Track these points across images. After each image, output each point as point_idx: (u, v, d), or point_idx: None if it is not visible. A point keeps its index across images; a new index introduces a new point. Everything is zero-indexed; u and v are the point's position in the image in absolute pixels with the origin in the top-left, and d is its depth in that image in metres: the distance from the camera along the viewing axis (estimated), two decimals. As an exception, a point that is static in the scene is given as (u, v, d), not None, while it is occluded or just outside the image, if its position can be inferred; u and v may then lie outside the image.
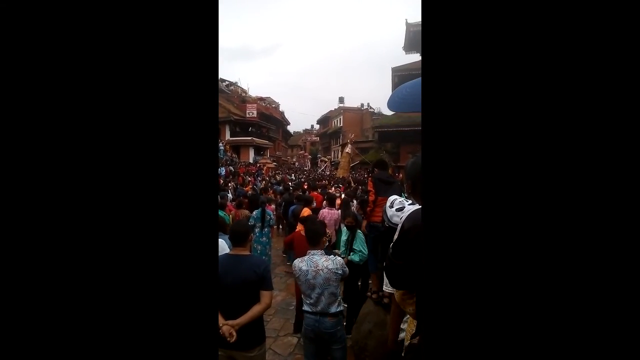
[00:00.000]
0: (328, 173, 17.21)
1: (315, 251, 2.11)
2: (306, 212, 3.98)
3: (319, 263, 2.03)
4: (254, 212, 4.18)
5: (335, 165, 26.63)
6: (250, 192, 7.24)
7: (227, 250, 1.99)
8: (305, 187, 8.07)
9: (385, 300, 2.40)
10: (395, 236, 0.97)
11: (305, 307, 2.09)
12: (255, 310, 1.72)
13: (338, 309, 2.06)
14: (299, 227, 3.42)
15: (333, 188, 8.20)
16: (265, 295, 1.77)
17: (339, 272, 2.04)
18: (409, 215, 0.95)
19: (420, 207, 0.97)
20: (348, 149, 10.50)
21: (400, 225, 0.95)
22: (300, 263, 2.09)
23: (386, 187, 3.13)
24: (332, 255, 2.11)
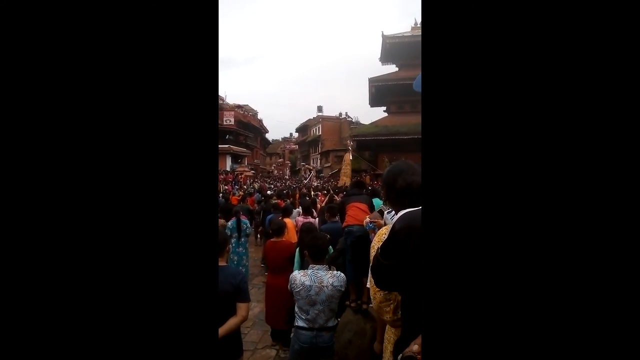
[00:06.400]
0: (315, 184, 16.38)
1: (319, 266, 2.02)
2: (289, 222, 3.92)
3: (323, 279, 1.95)
4: (229, 223, 4.07)
5: (317, 173, 26.75)
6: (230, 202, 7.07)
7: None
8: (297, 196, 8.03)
9: (364, 307, 2.40)
10: (386, 236, 0.98)
11: (300, 323, 1.98)
12: (231, 323, 1.66)
13: (334, 323, 2.02)
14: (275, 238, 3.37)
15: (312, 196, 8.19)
16: (241, 308, 1.72)
17: (342, 289, 1.98)
18: (401, 216, 0.96)
19: (411, 210, 0.98)
20: (349, 156, 10.68)
21: (391, 226, 0.95)
22: (302, 277, 1.97)
23: (354, 197, 3.25)
24: (335, 271, 2.03)
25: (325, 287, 1.93)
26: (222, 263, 1.81)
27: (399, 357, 0.83)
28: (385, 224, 1.80)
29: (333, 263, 2.43)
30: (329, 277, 1.97)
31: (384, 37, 20.38)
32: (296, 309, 2.02)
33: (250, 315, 1.99)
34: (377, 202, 3.55)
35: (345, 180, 10.36)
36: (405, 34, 20.24)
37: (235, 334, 1.76)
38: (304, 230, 2.97)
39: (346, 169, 10.91)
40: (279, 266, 2.96)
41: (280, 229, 3.12)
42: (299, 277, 1.99)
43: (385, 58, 21.75)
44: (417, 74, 2.12)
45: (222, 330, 1.62)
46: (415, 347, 0.81)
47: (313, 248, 2.07)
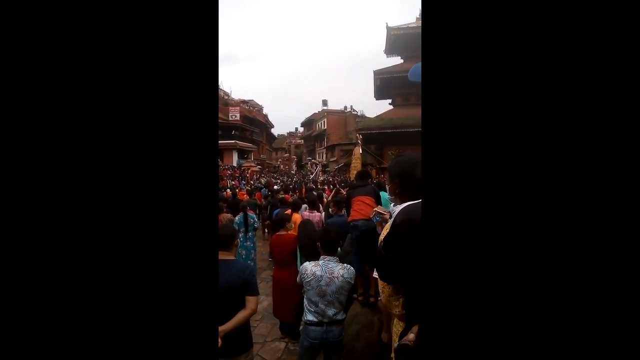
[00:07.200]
0: (322, 178, 16.17)
1: (330, 257, 2.03)
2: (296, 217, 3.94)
3: (334, 270, 1.96)
4: (237, 218, 4.11)
5: (323, 168, 26.74)
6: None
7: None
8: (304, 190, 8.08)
9: (372, 300, 2.41)
10: (387, 230, 0.98)
11: (310, 317, 1.98)
12: (240, 316, 1.69)
13: (343, 317, 2.04)
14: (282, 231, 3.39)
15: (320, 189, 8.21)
16: (250, 301, 1.74)
17: (352, 282, 2.00)
18: (401, 209, 0.96)
19: (412, 202, 0.97)
20: (359, 150, 10.67)
21: (392, 219, 0.96)
22: (314, 267, 1.98)
23: (359, 189, 3.26)
24: (345, 264, 2.06)
25: (336, 278, 1.95)
26: (230, 257, 1.83)
27: (395, 345, 0.85)
28: (391, 217, 1.80)
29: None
30: (340, 269, 1.98)
31: (389, 28, 20.10)
32: (305, 302, 2.03)
33: (259, 308, 2.01)
34: (384, 195, 3.54)
35: (355, 173, 10.40)
36: (410, 25, 19.94)
37: (245, 327, 1.79)
38: (301, 226, 2.99)
39: (356, 162, 10.92)
40: (284, 260, 2.99)
41: (281, 222, 3.13)
42: (310, 267, 2.00)
43: (390, 50, 21.48)
44: (423, 65, 2.09)
45: (232, 323, 1.65)
46: (411, 335, 0.82)
47: (325, 240, 2.08)
